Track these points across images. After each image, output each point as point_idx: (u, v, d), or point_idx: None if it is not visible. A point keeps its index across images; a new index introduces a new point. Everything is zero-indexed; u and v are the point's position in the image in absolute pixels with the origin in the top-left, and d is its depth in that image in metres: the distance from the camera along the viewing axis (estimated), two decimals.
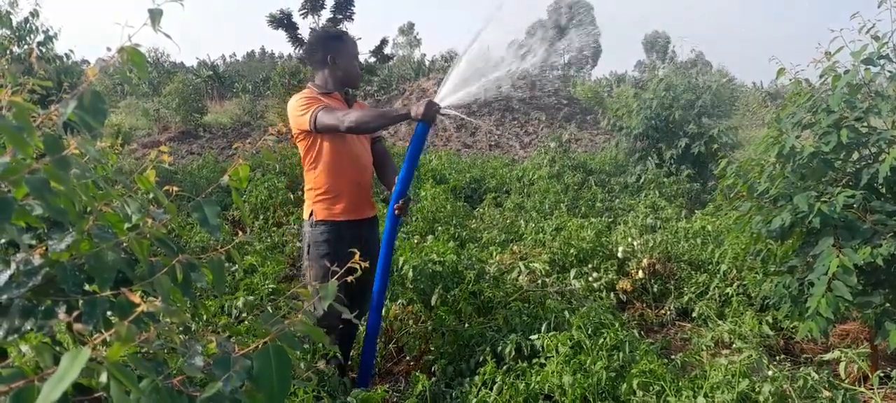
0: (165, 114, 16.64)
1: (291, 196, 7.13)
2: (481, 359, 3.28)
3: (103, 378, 0.89)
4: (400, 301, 3.88)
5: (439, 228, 5.98)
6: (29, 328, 1.20)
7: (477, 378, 3.11)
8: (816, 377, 2.94)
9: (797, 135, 3.31)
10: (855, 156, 3.35)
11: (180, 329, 1.28)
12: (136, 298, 0.92)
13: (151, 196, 1.47)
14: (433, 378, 3.32)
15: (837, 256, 2.92)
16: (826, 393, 2.88)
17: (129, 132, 14.84)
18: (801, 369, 3.09)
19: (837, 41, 3.23)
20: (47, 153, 1.09)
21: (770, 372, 2.85)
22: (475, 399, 2.97)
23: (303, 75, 16.85)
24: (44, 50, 8.33)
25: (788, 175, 3.34)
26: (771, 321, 3.81)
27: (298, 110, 3.04)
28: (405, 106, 2.88)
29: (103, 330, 1.15)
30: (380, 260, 3.09)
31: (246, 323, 3.47)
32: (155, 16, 1.22)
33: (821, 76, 3.37)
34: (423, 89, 17.04)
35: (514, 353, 3.26)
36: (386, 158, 3.40)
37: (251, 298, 3.79)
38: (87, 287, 1.27)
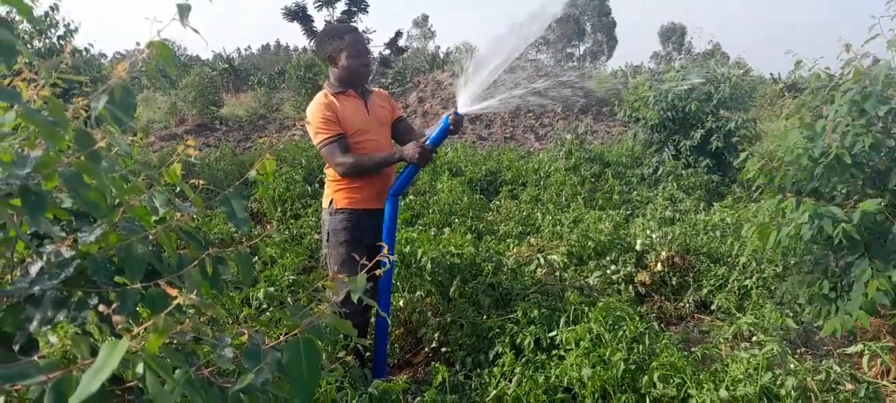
0: (182, 106, 16.71)
1: (309, 188, 7.17)
2: (500, 351, 3.29)
3: (139, 368, 0.90)
4: (418, 292, 3.89)
5: (456, 220, 5.98)
6: (61, 318, 1.22)
7: (496, 369, 3.12)
8: (838, 370, 2.91)
9: (824, 127, 3.26)
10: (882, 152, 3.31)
11: (208, 321, 1.30)
12: (173, 291, 0.93)
13: (177, 189, 1.49)
14: (452, 369, 3.33)
15: (873, 278, 2.89)
16: (848, 387, 2.86)
17: (147, 125, 14.95)
18: (823, 362, 3.07)
19: (874, 29, 3.19)
20: (79, 147, 1.10)
21: (793, 366, 2.83)
22: (494, 391, 2.98)
23: (318, 68, 16.89)
24: (64, 43, 8.43)
25: (813, 171, 3.30)
26: (791, 314, 3.78)
27: (313, 127, 3.12)
28: (399, 152, 3.07)
29: (131, 322, 1.17)
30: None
31: (268, 314, 3.50)
32: (183, 11, 1.23)
33: (844, 66, 3.33)
34: (437, 82, 17.00)
35: (533, 345, 3.26)
36: (411, 131, 3.50)
37: (272, 289, 3.82)
38: (116, 279, 1.29)
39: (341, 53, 3.17)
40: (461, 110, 2.99)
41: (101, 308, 1.17)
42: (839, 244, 2.99)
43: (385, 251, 1.53)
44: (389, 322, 3.33)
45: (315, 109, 3.14)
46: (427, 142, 3.00)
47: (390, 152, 3.10)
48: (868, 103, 3.10)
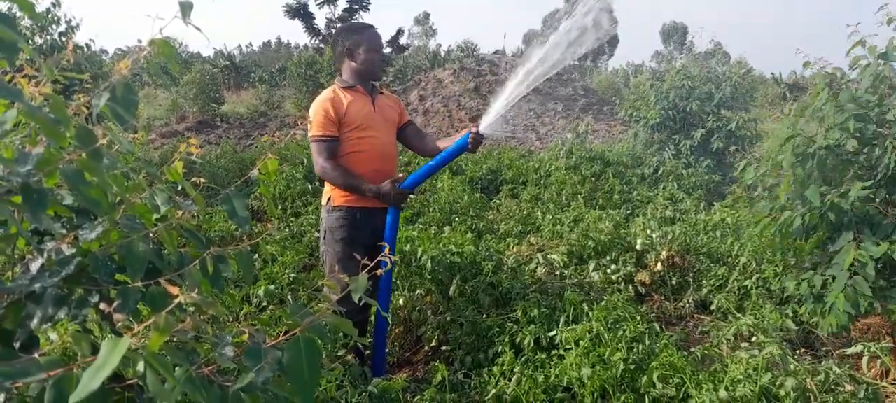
0: (183, 103, 16.71)
1: (309, 186, 7.17)
2: (500, 350, 3.29)
3: (140, 367, 0.91)
4: (418, 291, 3.89)
5: (456, 219, 5.99)
6: (62, 316, 1.22)
7: (495, 368, 3.12)
8: (838, 371, 2.91)
9: (827, 128, 3.26)
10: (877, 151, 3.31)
11: (209, 319, 1.30)
12: (174, 289, 0.93)
13: (179, 186, 1.49)
14: (452, 368, 3.34)
15: (854, 251, 2.89)
16: (848, 388, 2.86)
17: (148, 122, 14.95)
18: (822, 363, 3.07)
19: (859, 32, 3.20)
20: (80, 144, 1.10)
21: (792, 366, 2.83)
22: (494, 390, 2.98)
23: (319, 65, 16.89)
24: (65, 40, 8.43)
25: (803, 172, 3.30)
26: (791, 314, 3.78)
27: (311, 119, 3.18)
28: (374, 189, 3.13)
29: (132, 320, 1.17)
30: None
31: (268, 312, 3.50)
32: (185, 9, 1.23)
33: (851, 66, 3.32)
34: (438, 80, 16.99)
35: (532, 344, 3.26)
36: (420, 134, 3.59)
37: (272, 287, 3.82)
38: (117, 277, 1.29)
39: (360, 47, 3.25)
40: (484, 131, 3.02)
41: (102, 305, 1.17)
42: (830, 230, 3.00)
43: (386, 251, 1.53)
44: (389, 320, 3.34)
45: (318, 104, 3.19)
46: (415, 174, 3.13)
47: (366, 185, 3.13)
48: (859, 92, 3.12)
